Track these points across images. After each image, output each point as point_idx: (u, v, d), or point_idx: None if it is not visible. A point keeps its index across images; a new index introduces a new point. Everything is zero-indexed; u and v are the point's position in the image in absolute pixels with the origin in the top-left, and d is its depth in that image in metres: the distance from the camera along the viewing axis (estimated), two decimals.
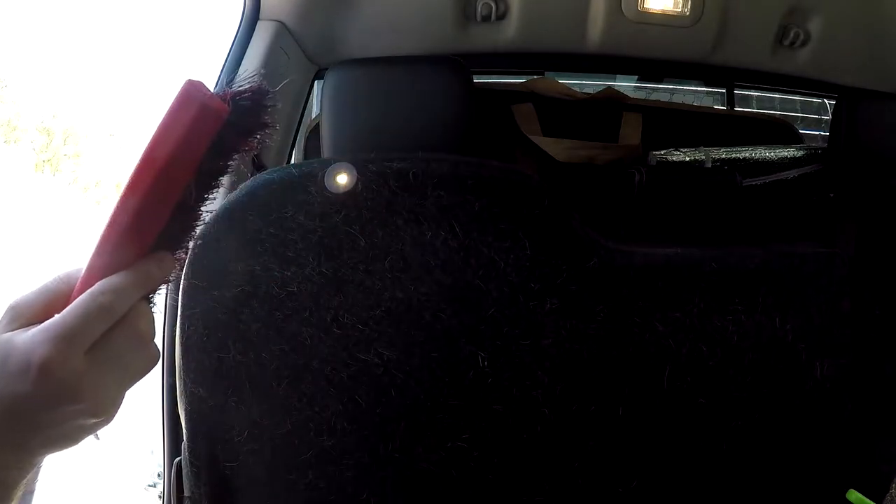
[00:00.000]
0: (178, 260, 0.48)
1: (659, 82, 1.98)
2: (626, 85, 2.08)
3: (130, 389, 0.50)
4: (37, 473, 0.49)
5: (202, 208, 0.47)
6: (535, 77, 1.67)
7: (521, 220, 0.92)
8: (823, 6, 1.46)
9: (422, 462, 0.93)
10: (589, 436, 0.96)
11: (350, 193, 0.90)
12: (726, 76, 1.76)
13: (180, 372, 0.93)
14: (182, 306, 0.91)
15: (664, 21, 1.44)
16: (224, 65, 1.30)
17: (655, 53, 1.56)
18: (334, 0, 1.40)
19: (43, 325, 0.44)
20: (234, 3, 1.34)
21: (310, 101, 1.58)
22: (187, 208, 0.45)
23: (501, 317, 0.93)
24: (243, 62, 1.30)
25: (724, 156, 1.39)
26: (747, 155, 1.41)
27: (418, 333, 0.92)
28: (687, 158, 1.35)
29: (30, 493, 0.50)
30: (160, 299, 0.50)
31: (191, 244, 0.49)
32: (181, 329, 0.92)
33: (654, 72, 1.76)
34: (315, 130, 1.47)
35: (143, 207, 0.43)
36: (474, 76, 1.14)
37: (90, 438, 0.50)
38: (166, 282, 0.48)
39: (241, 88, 0.44)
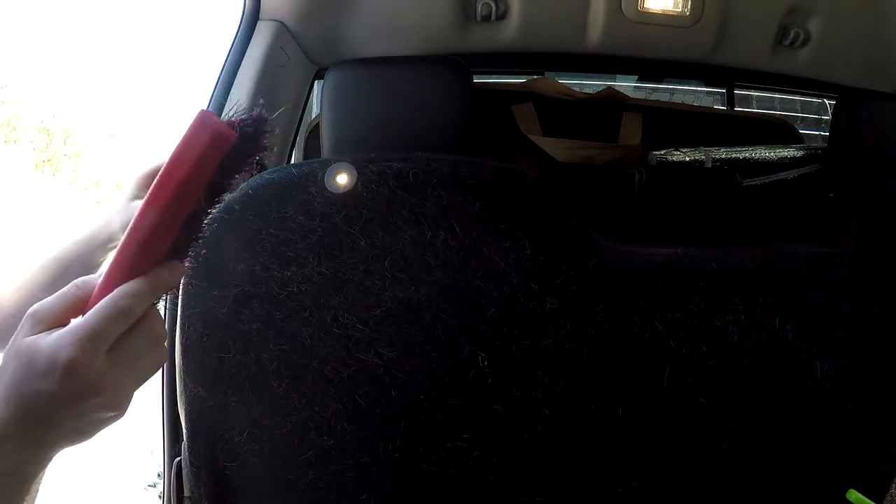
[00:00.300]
0: (187, 267, 0.53)
1: (659, 82, 1.97)
2: (626, 85, 2.08)
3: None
4: (42, 475, 0.52)
5: (206, 220, 0.52)
6: (535, 77, 1.67)
7: (521, 220, 0.92)
8: (823, 6, 1.46)
9: (422, 462, 0.93)
10: (589, 436, 0.96)
11: (350, 193, 0.90)
12: (726, 76, 1.76)
13: (180, 372, 0.93)
14: (182, 306, 0.91)
15: (664, 21, 1.44)
16: (224, 65, 1.30)
17: (655, 53, 1.56)
18: (334, 0, 1.40)
19: (67, 328, 0.49)
20: (234, 3, 1.34)
21: (310, 101, 1.58)
22: (196, 220, 0.51)
23: (501, 317, 0.93)
24: (243, 62, 1.30)
25: (724, 156, 1.39)
26: (747, 155, 1.41)
27: (418, 333, 0.92)
28: (687, 158, 1.35)
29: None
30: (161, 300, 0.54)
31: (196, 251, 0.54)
32: (181, 329, 0.92)
33: (654, 72, 1.76)
34: (315, 130, 1.47)
35: (159, 222, 0.49)
36: (474, 76, 1.14)
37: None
38: (176, 286, 0.52)
39: (245, 117, 0.50)
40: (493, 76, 1.78)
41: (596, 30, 1.47)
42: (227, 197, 0.54)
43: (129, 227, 0.50)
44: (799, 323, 0.98)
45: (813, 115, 2.96)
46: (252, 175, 0.55)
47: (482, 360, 0.93)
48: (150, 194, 0.49)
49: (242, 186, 0.93)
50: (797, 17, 1.48)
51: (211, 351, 0.91)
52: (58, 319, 0.50)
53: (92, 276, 0.52)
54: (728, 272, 0.97)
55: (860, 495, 0.85)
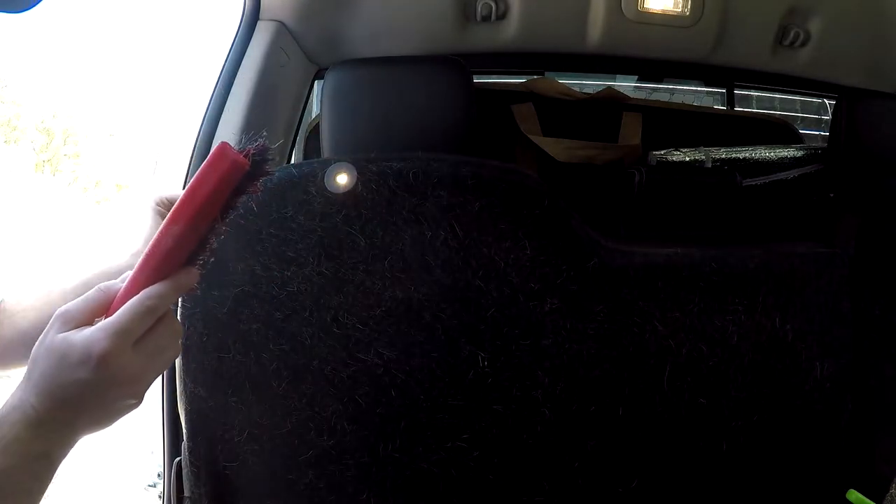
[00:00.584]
0: (201, 271, 0.61)
1: (659, 82, 1.97)
2: (626, 85, 2.08)
3: None
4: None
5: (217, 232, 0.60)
6: (535, 77, 1.67)
7: (521, 220, 0.92)
8: (823, 6, 1.46)
9: (422, 462, 0.93)
10: (589, 436, 0.96)
11: (350, 193, 0.90)
12: (726, 76, 1.76)
13: (180, 372, 0.93)
14: (182, 306, 0.91)
15: (664, 21, 1.43)
16: (224, 65, 1.30)
17: (655, 53, 1.56)
18: (334, 0, 1.40)
19: (99, 324, 0.56)
20: (234, 3, 1.34)
21: (310, 101, 1.57)
22: (211, 233, 0.60)
23: (501, 317, 0.93)
24: (243, 62, 1.30)
25: (724, 156, 1.39)
26: (747, 155, 1.41)
27: (418, 333, 0.92)
28: (687, 158, 1.35)
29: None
30: None
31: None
32: (187, 327, 0.92)
33: (654, 72, 1.76)
34: (315, 130, 1.47)
35: (181, 235, 0.58)
36: (474, 76, 1.14)
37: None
38: (193, 288, 0.60)
39: (254, 146, 0.58)
40: (493, 76, 1.78)
41: (596, 30, 1.47)
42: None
43: (154, 239, 0.58)
44: (799, 323, 0.98)
45: (813, 115, 2.96)
46: (257, 193, 0.62)
47: (482, 360, 0.93)
48: (175, 212, 0.57)
49: None
50: (797, 17, 1.48)
51: (211, 351, 0.91)
52: (85, 319, 0.57)
53: (113, 281, 0.59)
54: (728, 272, 0.97)
55: (860, 495, 0.85)
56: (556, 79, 1.65)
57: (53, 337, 0.56)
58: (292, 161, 1.53)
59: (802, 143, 1.67)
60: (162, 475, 1.15)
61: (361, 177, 0.90)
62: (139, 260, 0.59)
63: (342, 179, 0.90)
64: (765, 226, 1.28)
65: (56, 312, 0.57)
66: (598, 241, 0.95)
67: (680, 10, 1.42)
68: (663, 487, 0.98)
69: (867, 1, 1.47)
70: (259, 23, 1.34)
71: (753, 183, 1.34)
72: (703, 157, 1.33)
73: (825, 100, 2.30)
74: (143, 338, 0.57)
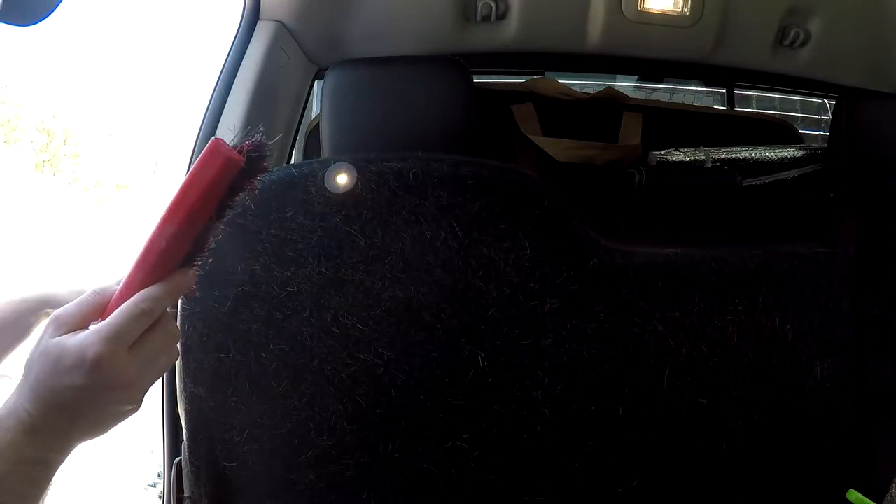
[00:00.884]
0: (199, 272, 0.59)
1: (659, 82, 1.97)
2: (626, 85, 2.08)
3: None
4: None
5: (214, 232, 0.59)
6: (535, 77, 1.67)
7: (521, 220, 0.92)
8: (823, 6, 1.46)
9: (422, 462, 0.93)
10: (589, 436, 0.96)
11: (350, 193, 0.90)
12: (726, 76, 1.76)
13: (180, 372, 0.93)
14: (182, 307, 0.91)
15: (664, 21, 1.43)
16: (224, 65, 1.30)
17: (655, 53, 1.56)
18: (334, 0, 1.40)
19: (93, 328, 0.55)
20: (234, 3, 1.34)
21: (310, 101, 1.57)
22: (207, 232, 0.57)
23: (501, 317, 0.93)
24: (243, 62, 1.30)
25: (724, 156, 1.39)
26: (747, 155, 1.41)
27: (418, 333, 0.92)
28: (687, 158, 1.35)
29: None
30: None
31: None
32: (181, 329, 0.92)
33: (654, 72, 1.76)
34: (315, 130, 1.47)
35: (176, 235, 0.56)
36: (474, 76, 1.14)
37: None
38: (189, 290, 0.59)
39: (250, 142, 0.56)
40: (493, 76, 1.78)
41: (596, 30, 1.47)
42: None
43: (147, 240, 0.56)
44: (799, 323, 0.98)
45: (813, 115, 2.96)
46: (254, 191, 0.61)
47: (482, 360, 0.93)
48: (168, 211, 0.55)
49: None
50: (797, 17, 1.48)
51: (211, 351, 0.91)
52: (79, 323, 0.56)
53: (108, 284, 0.58)
54: (728, 272, 0.97)
55: (860, 495, 0.85)
56: (556, 79, 1.65)
57: (48, 341, 0.55)
58: (292, 161, 1.53)
59: (802, 143, 1.67)
60: (162, 475, 1.15)
61: (361, 177, 0.90)
62: (133, 262, 0.57)
63: (342, 179, 0.90)
64: (765, 226, 1.28)
65: (50, 316, 0.56)
66: (598, 241, 0.95)
67: (680, 10, 1.42)
68: (663, 487, 0.98)
69: (867, 1, 1.46)
70: (259, 23, 1.33)
71: (753, 183, 1.34)
72: (703, 157, 1.33)
73: (825, 100, 2.30)
74: (138, 342, 0.56)
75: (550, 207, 0.93)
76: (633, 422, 0.96)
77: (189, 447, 0.95)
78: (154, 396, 1.10)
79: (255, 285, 0.90)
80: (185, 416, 0.94)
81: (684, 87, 2.57)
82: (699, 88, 2.51)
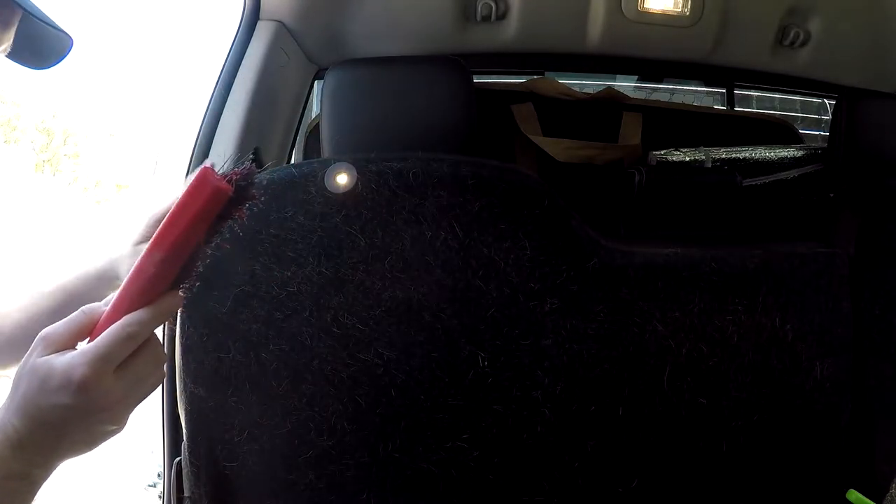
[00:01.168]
0: (186, 297, 0.60)
1: (659, 82, 1.97)
2: (626, 85, 2.08)
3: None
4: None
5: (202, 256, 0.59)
6: (535, 77, 1.67)
7: (521, 220, 0.92)
8: (823, 6, 1.46)
9: (422, 462, 0.93)
10: (589, 436, 0.96)
11: (350, 193, 0.90)
12: (726, 76, 1.76)
13: (180, 372, 0.93)
14: (182, 306, 0.91)
15: (664, 21, 1.43)
16: (224, 65, 1.30)
17: (655, 53, 1.56)
18: (334, 0, 1.40)
19: (81, 349, 0.56)
20: (234, 3, 1.34)
21: (310, 101, 1.57)
22: (195, 258, 0.58)
23: (501, 317, 0.93)
24: (243, 62, 1.30)
25: (724, 156, 1.39)
26: (747, 155, 1.41)
27: (418, 333, 0.92)
28: (687, 158, 1.35)
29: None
30: None
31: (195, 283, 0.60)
32: (181, 329, 0.92)
33: (654, 72, 1.76)
34: (315, 130, 1.47)
35: (163, 261, 0.57)
36: (474, 76, 1.14)
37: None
38: (174, 314, 0.59)
39: (239, 169, 0.57)
40: (493, 76, 1.78)
41: (596, 30, 1.47)
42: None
43: (136, 264, 0.57)
44: (799, 323, 0.98)
45: (813, 115, 2.96)
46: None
47: (482, 360, 0.93)
48: (156, 238, 0.56)
49: None
50: (797, 17, 1.48)
51: (211, 351, 0.91)
52: (68, 342, 0.57)
53: (97, 304, 0.58)
54: (728, 272, 0.97)
55: (860, 495, 0.85)
56: (556, 79, 1.65)
57: (36, 360, 0.56)
58: (292, 161, 1.53)
59: (802, 143, 1.67)
60: (162, 475, 1.15)
61: (361, 177, 0.90)
62: (122, 284, 0.58)
63: (342, 179, 0.90)
64: (765, 226, 1.28)
65: (39, 335, 0.57)
66: (598, 241, 0.95)
67: (680, 10, 1.42)
68: (663, 487, 0.98)
69: (867, 1, 1.46)
70: (259, 23, 1.33)
71: (753, 183, 1.34)
72: (703, 157, 1.33)
73: (825, 100, 2.30)
74: (124, 364, 0.56)
75: (550, 207, 0.93)
76: (633, 422, 0.96)
77: (189, 447, 0.95)
78: (154, 396, 1.10)
79: (255, 285, 0.90)
80: (185, 416, 0.94)
81: (684, 87, 2.57)
82: (699, 88, 2.51)
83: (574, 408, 0.95)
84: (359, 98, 1.03)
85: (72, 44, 0.79)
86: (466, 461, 0.94)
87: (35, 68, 0.78)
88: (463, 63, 1.04)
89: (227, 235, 0.88)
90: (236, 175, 0.56)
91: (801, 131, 1.75)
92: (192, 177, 0.56)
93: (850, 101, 1.17)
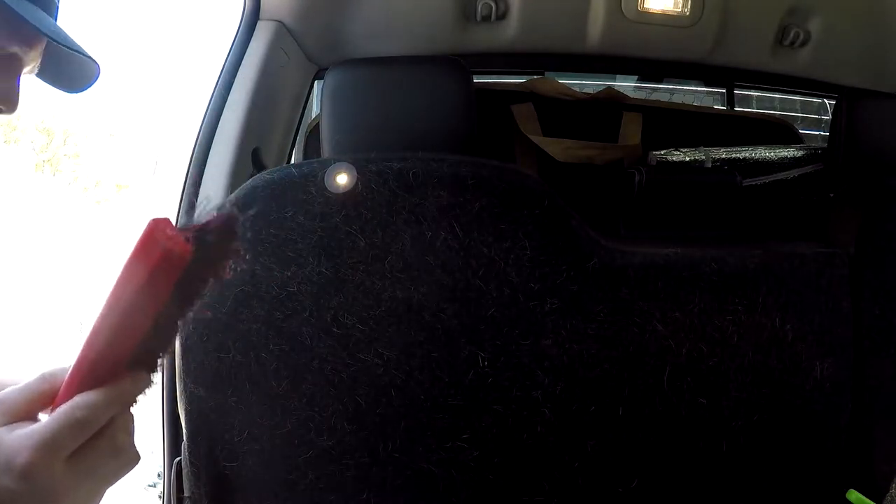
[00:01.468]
0: (154, 375, 0.51)
1: (659, 82, 1.97)
2: (626, 85, 2.08)
3: None
4: None
5: (179, 323, 0.50)
6: (535, 77, 1.67)
7: (521, 220, 0.92)
8: (823, 6, 1.46)
9: (422, 462, 0.93)
10: (589, 436, 0.96)
11: (350, 193, 0.90)
12: (726, 76, 1.76)
13: (180, 372, 0.93)
14: None
15: (664, 21, 1.43)
16: (224, 65, 1.30)
17: (655, 53, 1.56)
18: (334, 0, 1.40)
19: (28, 430, 0.48)
20: (234, 3, 1.34)
21: (310, 101, 1.57)
22: (164, 329, 0.49)
23: (501, 317, 0.93)
24: (243, 62, 1.30)
25: (724, 156, 1.39)
26: (747, 155, 1.41)
27: (418, 333, 0.92)
28: (687, 158, 1.35)
29: None
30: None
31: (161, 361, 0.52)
32: (181, 329, 0.91)
33: (654, 72, 1.76)
34: (315, 130, 1.47)
35: (116, 333, 0.47)
36: (474, 76, 1.14)
37: None
38: (139, 397, 0.51)
39: (205, 223, 0.45)
40: (493, 76, 1.78)
41: (596, 30, 1.47)
42: (201, 300, 0.52)
43: (90, 332, 0.49)
44: (799, 323, 0.98)
45: (813, 115, 2.96)
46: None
47: (482, 360, 0.93)
48: (103, 308, 0.47)
49: (242, 187, 0.93)
50: (797, 17, 1.48)
51: (211, 351, 0.91)
52: (23, 413, 0.50)
53: (61, 368, 0.51)
54: (728, 272, 0.97)
55: (860, 495, 0.85)
56: (556, 79, 1.65)
57: None
58: (292, 161, 1.53)
59: (802, 143, 1.67)
60: (162, 475, 1.15)
61: (361, 177, 0.90)
62: (74, 358, 0.50)
63: (342, 179, 0.90)
64: (765, 226, 1.28)
65: None
66: (598, 241, 0.95)
67: (680, 10, 1.42)
68: (663, 487, 0.98)
69: (867, 1, 1.46)
70: (259, 23, 1.33)
71: (753, 183, 1.34)
72: (703, 157, 1.33)
73: (825, 100, 2.30)
74: (77, 452, 0.48)
75: (550, 207, 0.93)
76: (633, 422, 0.96)
77: (189, 447, 0.95)
78: (154, 396, 1.10)
79: (255, 285, 0.90)
80: (185, 416, 0.94)
81: (684, 87, 2.57)
82: (699, 88, 2.51)
83: (574, 408, 0.95)
84: (359, 98, 1.03)
85: (99, 71, 0.75)
86: (466, 461, 0.94)
87: (65, 90, 0.75)
88: (463, 63, 1.04)
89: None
90: (199, 229, 0.45)
91: (801, 131, 1.75)
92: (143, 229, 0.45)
93: (850, 101, 1.17)
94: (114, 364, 0.49)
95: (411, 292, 0.91)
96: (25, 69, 0.69)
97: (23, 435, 0.48)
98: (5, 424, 0.49)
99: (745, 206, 1.20)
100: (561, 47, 1.55)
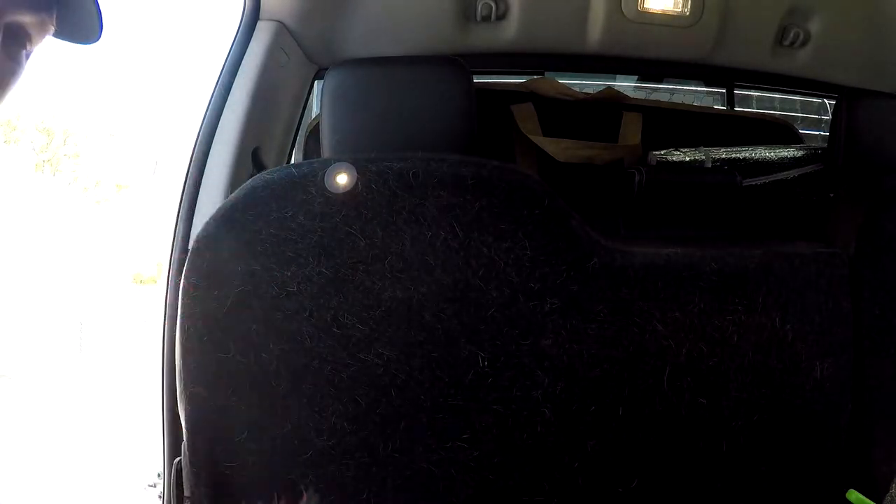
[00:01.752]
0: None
1: (659, 82, 1.97)
2: (626, 85, 2.08)
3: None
4: None
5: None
6: (535, 77, 1.67)
7: (521, 220, 0.92)
8: (823, 6, 1.46)
9: (422, 462, 0.93)
10: (589, 436, 0.96)
11: (350, 193, 0.90)
12: (726, 76, 1.76)
13: (180, 372, 0.93)
14: (182, 306, 0.91)
15: (664, 21, 1.43)
16: (224, 65, 1.30)
17: (655, 53, 1.56)
18: (334, 0, 1.40)
19: None
20: (234, 3, 1.34)
21: (310, 101, 1.57)
22: None
23: (501, 317, 0.93)
24: (243, 62, 1.30)
25: (724, 156, 1.39)
26: (747, 155, 1.41)
27: (418, 333, 0.92)
28: (687, 158, 1.35)
29: None
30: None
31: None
32: (181, 329, 0.92)
33: (654, 72, 1.76)
34: (315, 130, 1.47)
35: None
36: (474, 76, 1.14)
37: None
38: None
39: None
40: (493, 76, 1.78)
41: (596, 30, 1.47)
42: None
43: None
44: (799, 323, 0.98)
45: (813, 115, 2.96)
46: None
47: (482, 360, 0.93)
48: None
49: (242, 187, 0.93)
50: (797, 17, 1.48)
51: (211, 351, 0.91)
52: None
53: None
54: (728, 272, 0.97)
55: (860, 495, 0.85)
56: (556, 79, 1.65)
57: None
58: (292, 161, 1.53)
59: (802, 143, 1.67)
60: (162, 475, 1.15)
61: (361, 177, 0.90)
62: None
63: (342, 179, 0.90)
64: (765, 226, 1.28)
65: None
66: (598, 241, 0.95)
67: (680, 10, 1.42)
68: (663, 487, 0.98)
69: (867, 1, 1.47)
70: (259, 23, 1.33)
71: (753, 183, 1.34)
72: (703, 157, 1.33)
73: (825, 100, 2.30)
74: None
75: (550, 207, 0.93)
76: (633, 422, 0.96)
77: (189, 447, 0.95)
78: (154, 396, 1.10)
79: (255, 285, 0.90)
80: (185, 416, 0.94)
81: (684, 87, 2.57)
82: (699, 88, 2.51)
83: (574, 408, 0.95)
84: (359, 98, 1.03)
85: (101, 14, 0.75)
86: (466, 461, 0.94)
87: (80, 43, 0.75)
88: (463, 63, 1.04)
89: (230, 231, 0.88)
90: None
91: (801, 131, 1.75)
92: None
93: (850, 101, 1.18)
94: None
95: (411, 292, 0.91)
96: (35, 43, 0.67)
97: None
98: None
99: (745, 206, 1.20)
100: (561, 47, 1.55)
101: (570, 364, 0.94)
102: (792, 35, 1.51)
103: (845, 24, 1.49)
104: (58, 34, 0.69)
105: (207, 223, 0.91)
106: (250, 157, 1.26)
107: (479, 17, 1.47)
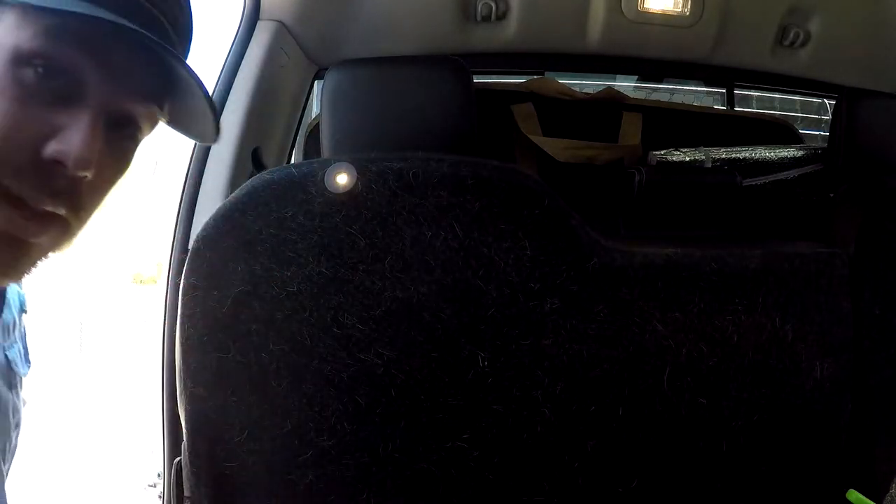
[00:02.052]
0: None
1: (659, 82, 1.97)
2: (626, 85, 2.08)
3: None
4: None
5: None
6: (535, 77, 1.67)
7: (520, 220, 0.92)
8: (823, 6, 1.46)
9: (422, 462, 0.93)
10: (589, 436, 0.96)
11: (350, 193, 0.90)
12: (726, 76, 1.76)
13: (180, 372, 0.93)
14: (182, 306, 0.91)
15: (664, 21, 1.43)
16: (224, 65, 1.30)
17: (655, 53, 1.56)
18: (334, 0, 1.40)
19: None
20: (234, 3, 1.34)
21: (310, 101, 1.57)
22: None
23: (501, 317, 0.93)
24: (243, 62, 1.30)
25: (724, 156, 1.39)
26: (747, 155, 1.41)
27: (418, 333, 0.92)
28: (687, 158, 1.35)
29: None
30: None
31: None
32: (181, 329, 0.92)
33: (654, 72, 1.76)
34: (315, 130, 1.47)
35: None
36: (474, 76, 1.14)
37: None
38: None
39: None
40: (493, 76, 1.78)
41: (596, 30, 1.47)
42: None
43: None
44: (799, 323, 0.98)
45: (813, 115, 2.96)
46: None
47: (482, 360, 0.93)
48: None
49: (242, 187, 0.93)
50: (797, 17, 1.48)
51: (211, 351, 0.91)
52: None
53: None
54: (728, 272, 0.97)
55: (860, 495, 0.85)
56: (556, 79, 1.65)
57: None
58: (292, 161, 1.53)
59: (802, 143, 1.67)
60: (162, 475, 1.15)
61: (361, 177, 0.90)
62: None
63: (342, 179, 0.90)
64: (765, 226, 1.28)
65: None
66: (598, 241, 0.95)
67: (680, 10, 1.42)
68: (663, 487, 0.98)
69: (867, 1, 1.47)
70: (259, 23, 1.33)
71: (753, 183, 1.34)
72: (703, 157, 1.33)
73: (825, 100, 2.30)
74: None
75: (550, 207, 0.93)
76: (633, 422, 0.96)
77: (189, 447, 0.95)
78: (154, 396, 1.10)
79: (255, 285, 0.90)
80: (185, 416, 0.94)
81: (684, 87, 2.57)
82: (699, 88, 2.51)
83: (574, 408, 0.95)
84: (359, 98, 1.03)
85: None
86: (466, 461, 0.94)
87: (196, 140, 0.70)
88: (463, 63, 1.04)
89: (230, 231, 0.88)
90: None
91: (801, 131, 1.75)
92: None
93: (850, 101, 1.18)
94: None
95: (411, 292, 0.91)
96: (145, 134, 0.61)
97: None
98: None
99: (745, 206, 1.20)
100: (561, 47, 1.55)
101: (570, 364, 0.94)
102: (792, 35, 1.51)
103: (845, 24, 1.49)
104: (171, 124, 0.63)
105: (207, 223, 0.91)
106: (250, 157, 1.26)
107: (479, 17, 1.48)
